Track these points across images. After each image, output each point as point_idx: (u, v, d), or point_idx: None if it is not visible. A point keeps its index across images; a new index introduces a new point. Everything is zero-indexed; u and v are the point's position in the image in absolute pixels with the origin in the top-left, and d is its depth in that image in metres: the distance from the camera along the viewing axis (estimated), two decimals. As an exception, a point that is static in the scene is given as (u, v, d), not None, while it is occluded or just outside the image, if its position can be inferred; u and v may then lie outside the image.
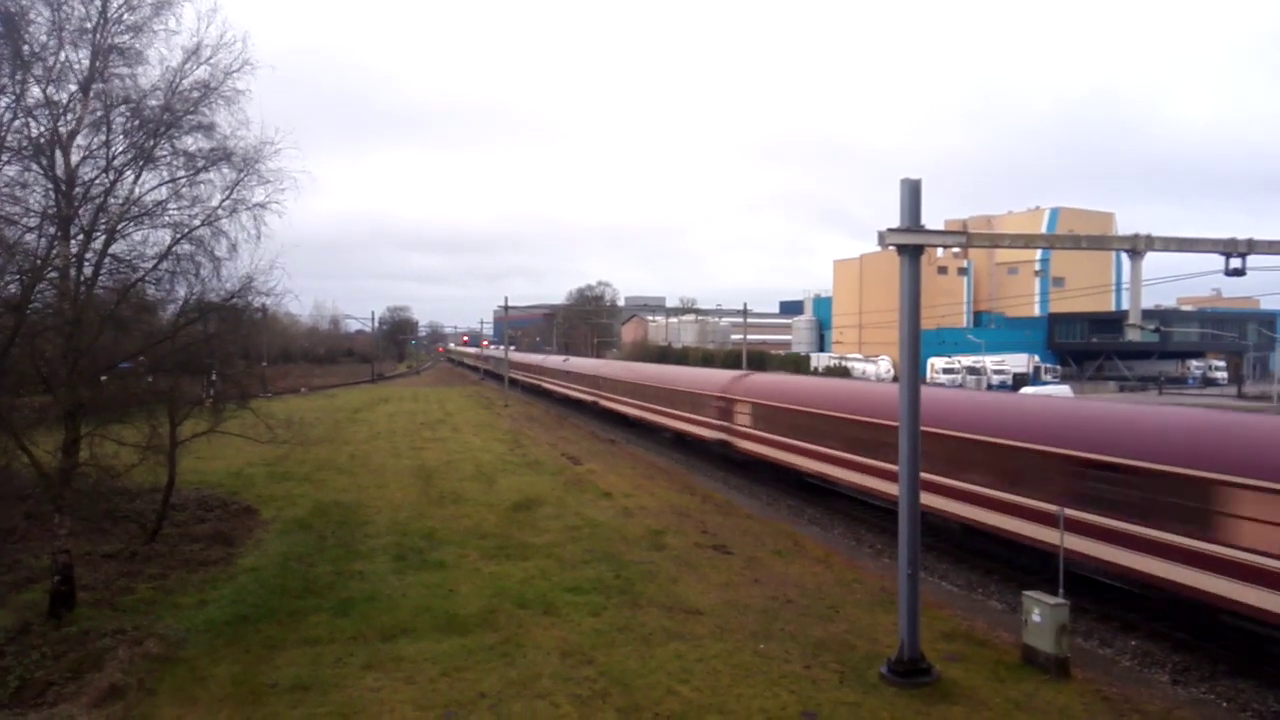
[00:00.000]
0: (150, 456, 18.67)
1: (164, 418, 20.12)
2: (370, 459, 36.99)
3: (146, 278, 18.69)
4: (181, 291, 19.61)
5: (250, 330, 25.12)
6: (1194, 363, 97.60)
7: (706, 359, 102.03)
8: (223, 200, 19.06)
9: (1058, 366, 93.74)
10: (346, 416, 58.42)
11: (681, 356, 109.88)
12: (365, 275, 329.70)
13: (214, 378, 23.53)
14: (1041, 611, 13.90)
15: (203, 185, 19.06)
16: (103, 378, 17.74)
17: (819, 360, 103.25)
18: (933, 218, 13.72)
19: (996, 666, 14.04)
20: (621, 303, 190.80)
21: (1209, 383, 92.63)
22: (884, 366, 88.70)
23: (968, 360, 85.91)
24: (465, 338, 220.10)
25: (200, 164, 18.86)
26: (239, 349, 23.98)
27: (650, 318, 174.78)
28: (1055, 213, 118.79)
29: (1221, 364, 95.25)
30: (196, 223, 18.91)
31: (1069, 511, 16.25)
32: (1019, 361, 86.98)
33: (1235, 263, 14.72)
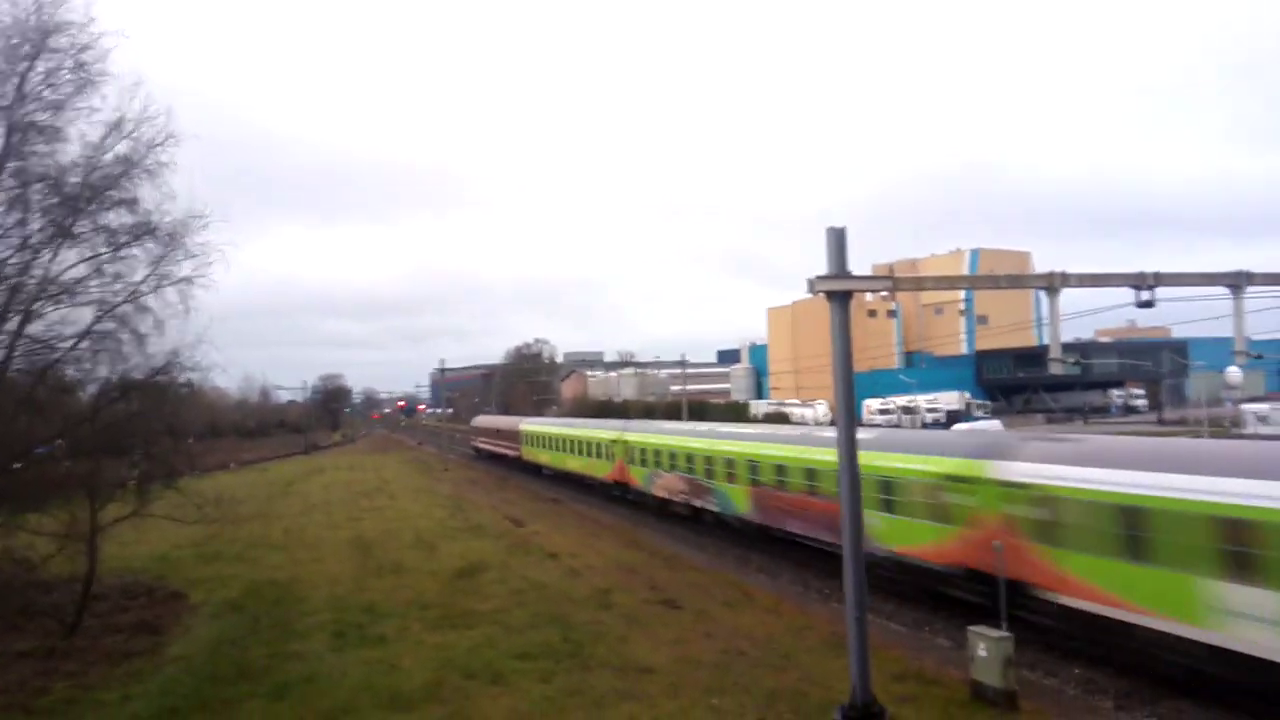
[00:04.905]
0: (69, 545, 17.84)
1: (83, 503, 19.26)
2: (305, 533, 35.85)
3: (65, 358, 18.08)
4: (103, 370, 19.03)
5: (176, 407, 24.37)
6: (1115, 392, 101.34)
7: (647, 411, 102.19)
8: (147, 276, 18.66)
9: (988, 402, 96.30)
10: (279, 490, 56.68)
11: (622, 410, 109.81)
12: (285, 344, 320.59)
13: (138, 458, 22.67)
14: (987, 646, 14.07)
15: (126, 261, 18.65)
16: (16, 465, 16.96)
17: (758, 408, 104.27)
18: (852, 263, 14.18)
19: (947, 705, 14.11)
20: (560, 359, 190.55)
21: (1130, 410, 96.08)
22: (821, 410, 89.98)
23: (902, 400, 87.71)
24: (402, 403, 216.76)
25: (123, 240, 18.47)
26: (164, 427, 23.20)
27: (590, 373, 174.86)
28: (975, 254, 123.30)
29: (1140, 392, 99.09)
30: (119, 299, 18.44)
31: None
32: (951, 399, 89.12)
33: (1145, 295, 15.48)
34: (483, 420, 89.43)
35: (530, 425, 63.84)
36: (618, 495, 41.80)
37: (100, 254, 18.32)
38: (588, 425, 52.07)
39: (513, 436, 65.86)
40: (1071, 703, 14.57)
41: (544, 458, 57.30)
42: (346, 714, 14.56)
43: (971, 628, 14.67)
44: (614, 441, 42.38)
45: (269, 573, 27.21)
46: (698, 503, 32.63)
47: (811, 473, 24.70)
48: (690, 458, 33.42)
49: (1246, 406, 60.70)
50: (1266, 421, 56.12)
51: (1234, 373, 61.41)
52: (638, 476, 39.24)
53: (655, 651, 17.32)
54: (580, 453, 48.30)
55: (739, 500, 29.37)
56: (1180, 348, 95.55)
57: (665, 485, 35.87)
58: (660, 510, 35.71)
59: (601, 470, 44.43)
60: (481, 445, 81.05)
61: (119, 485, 21.48)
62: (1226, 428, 59.27)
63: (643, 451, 38.68)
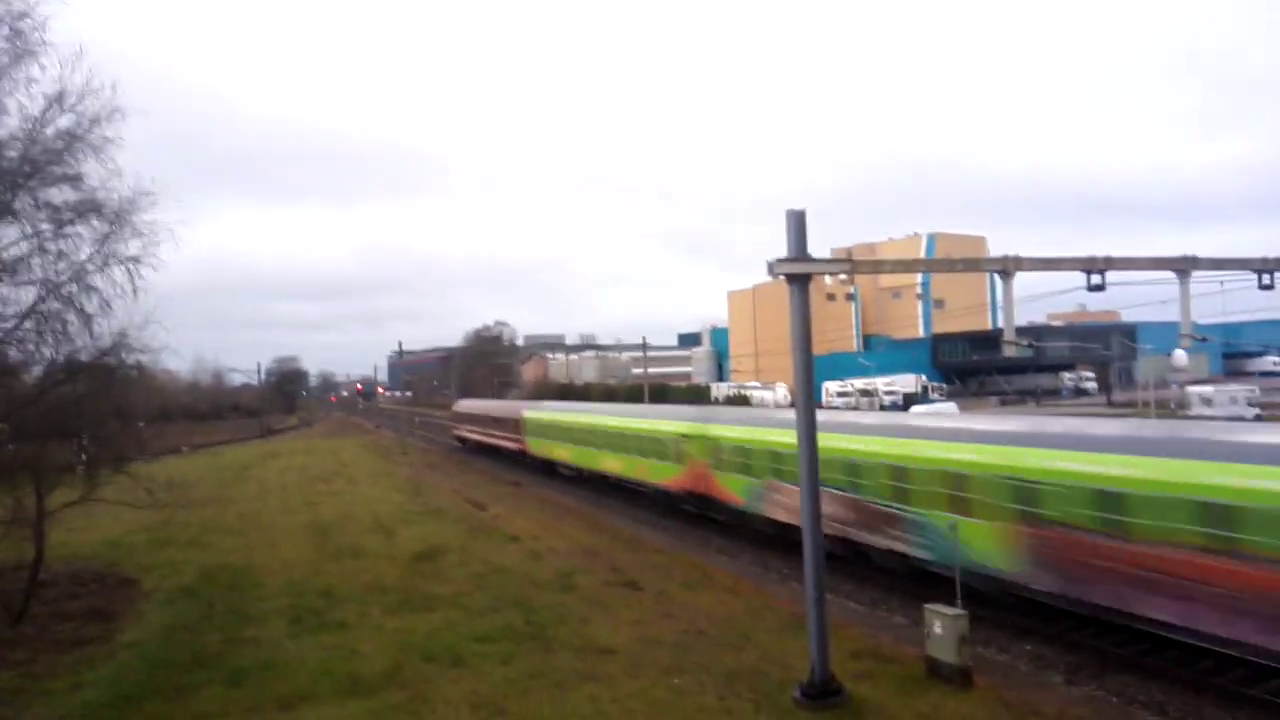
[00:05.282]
0: (14, 531, 17.37)
1: (29, 488, 18.74)
2: (260, 518, 35.31)
3: (7, 338, 17.52)
4: (48, 351, 18.50)
5: (125, 389, 23.79)
6: (1066, 375, 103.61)
7: (609, 394, 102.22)
8: (92, 254, 18.14)
9: (943, 385, 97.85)
10: (234, 474, 55.74)
11: (584, 393, 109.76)
12: (238, 326, 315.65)
13: (86, 442, 22.11)
14: (942, 623, 14.33)
15: (70, 239, 18.11)
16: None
17: (719, 390, 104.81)
18: (811, 247, 14.25)
19: (903, 681, 14.37)
20: (520, 342, 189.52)
21: (1081, 393, 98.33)
22: (781, 393, 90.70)
23: (860, 383, 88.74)
24: (359, 385, 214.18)
25: (67, 217, 17.93)
26: (113, 409, 22.63)
27: (550, 355, 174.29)
28: (932, 239, 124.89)
29: (1090, 375, 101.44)
30: (63, 279, 17.92)
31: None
32: (908, 382, 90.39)
33: (1096, 279, 15.80)
34: (469, 405, 73.68)
35: (538, 412, 51.69)
36: (692, 512, 31.47)
37: (42, 231, 17.77)
38: (633, 413, 39.83)
39: (512, 426, 54.37)
40: (1023, 678, 14.93)
41: (562, 454, 45.66)
42: (305, 699, 14.39)
43: (928, 605, 14.93)
44: (687, 437, 30.64)
45: (223, 558, 26.77)
46: (874, 539, 20.84)
47: (1222, 513, 13.39)
48: (855, 468, 21.41)
49: (1191, 389, 62.46)
50: (1210, 403, 57.82)
51: (1180, 356, 63.17)
52: (734, 489, 27.35)
53: (616, 632, 17.38)
54: (626, 450, 36.37)
55: (987, 545, 17.36)
56: (1130, 331, 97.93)
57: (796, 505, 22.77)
58: (776, 540, 24.86)
59: (662, 475, 32.66)
60: (468, 435, 68.18)
61: (66, 469, 20.95)
62: (1172, 409, 60.93)
63: (745, 453, 26.43)
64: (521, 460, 52.84)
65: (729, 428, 29.04)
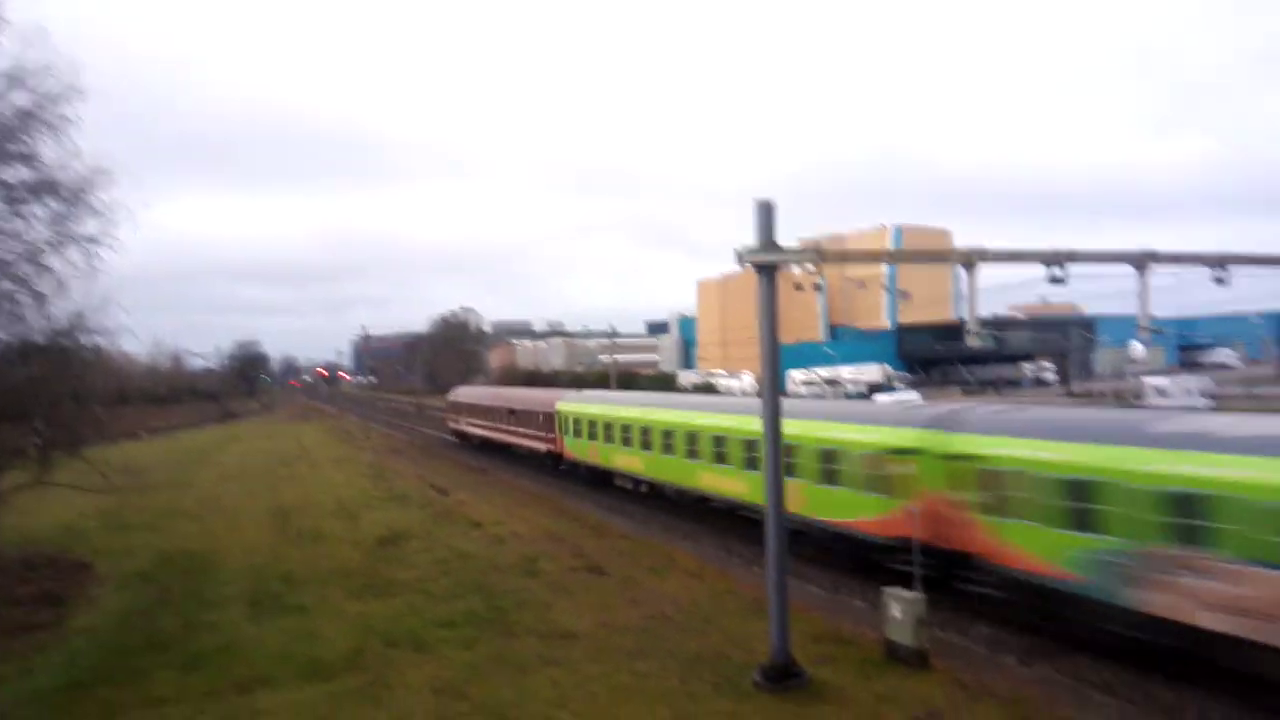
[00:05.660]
0: (-37, 514, 16.96)
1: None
2: (220, 502, 34.84)
3: (-45, 318, 17.08)
4: (0, 332, 18.09)
5: (81, 371, 23.28)
6: (1026, 365, 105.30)
7: (576, 381, 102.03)
8: (48, 234, 17.76)
9: (907, 374, 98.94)
10: (193, 459, 54.95)
11: (552, 379, 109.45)
12: (199, 309, 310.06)
13: (39, 424, 21.61)
14: (900, 607, 14.56)
15: (25, 219, 17.71)
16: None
17: (686, 378, 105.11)
18: (779, 238, 14.32)
19: (863, 664, 14.58)
20: (487, 329, 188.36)
21: (1040, 383, 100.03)
22: (747, 381, 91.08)
23: (825, 372, 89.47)
24: (323, 370, 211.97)
25: (21, 196, 17.52)
26: (68, 392, 22.14)
27: (518, 342, 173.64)
28: (899, 230, 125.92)
29: (1049, 365, 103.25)
30: (17, 258, 17.53)
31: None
32: (872, 371, 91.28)
33: (1057, 272, 16.06)
34: (474, 393, 59.38)
35: (583, 405, 38.40)
36: (930, 575, 16.34)
37: (-6, 209, 17.34)
38: (758, 410, 16.98)
39: (543, 421, 41.91)
40: (979, 660, 15.20)
41: (626, 462, 33.03)
42: (264, 683, 14.28)
43: (886, 589, 15.15)
44: (907, 452, 18.80)
45: (182, 542, 26.40)
46: None
47: None
48: None
49: (1147, 379, 63.77)
50: (1165, 394, 59.11)
51: (1137, 348, 64.47)
52: (1040, 551, 15.63)
53: (579, 617, 17.42)
54: (757, 466, 21.57)
55: None
56: (1088, 323, 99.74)
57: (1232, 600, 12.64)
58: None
59: (845, 511, 20.56)
60: (473, 430, 55.37)
61: (18, 453, 20.48)
62: (1129, 399, 62.22)
63: (1081, 490, 14.84)
64: (553, 466, 41.19)
65: (1021, 442, 16.49)
